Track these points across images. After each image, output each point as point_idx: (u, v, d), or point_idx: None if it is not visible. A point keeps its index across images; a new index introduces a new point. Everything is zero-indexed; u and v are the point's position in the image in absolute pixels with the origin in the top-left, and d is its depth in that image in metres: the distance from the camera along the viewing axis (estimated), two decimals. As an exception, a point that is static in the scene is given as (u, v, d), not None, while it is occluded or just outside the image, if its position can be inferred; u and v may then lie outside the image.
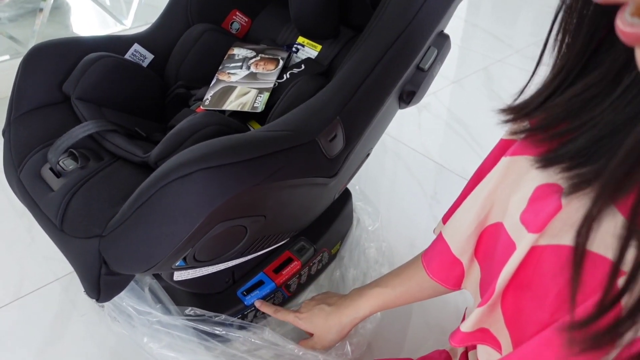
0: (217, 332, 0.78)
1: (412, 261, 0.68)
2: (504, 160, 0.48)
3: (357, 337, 0.80)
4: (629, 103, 0.34)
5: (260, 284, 0.88)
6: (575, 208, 0.37)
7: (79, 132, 0.72)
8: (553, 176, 0.39)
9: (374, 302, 0.70)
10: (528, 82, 0.42)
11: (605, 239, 0.35)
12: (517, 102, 0.42)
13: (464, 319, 0.74)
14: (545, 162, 0.38)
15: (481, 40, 2.02)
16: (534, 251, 0.42)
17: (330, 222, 0.97)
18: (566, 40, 0.37)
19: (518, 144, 0.46)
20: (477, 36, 2.07)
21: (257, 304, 0.83)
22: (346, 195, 1.02)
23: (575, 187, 0.36)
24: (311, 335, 0.77)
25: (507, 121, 0.43)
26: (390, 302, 0.70)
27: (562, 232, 0.39)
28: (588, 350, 0.31)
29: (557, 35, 0.37)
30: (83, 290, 0.69)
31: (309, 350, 0.75)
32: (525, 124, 0.41)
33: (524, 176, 0.44)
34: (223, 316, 0.79)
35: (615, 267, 0.29)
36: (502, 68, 1.78)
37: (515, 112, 0.42)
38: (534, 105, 0.40)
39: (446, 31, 0.82)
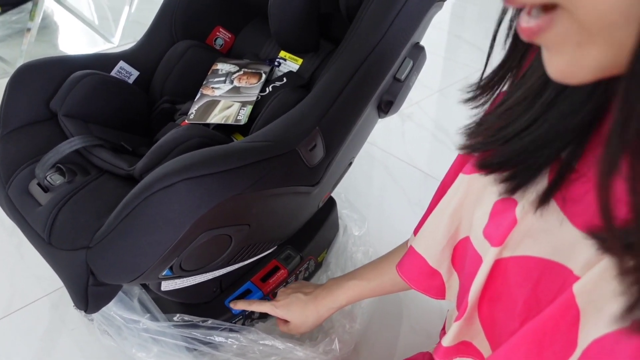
0: (204, 337, 0.79)
1: (387, 256, 0.70)
2: (464, 177, 0.50)
3: (345, 335, 0.82)
4: (545, 121, 0.36)
5: (247, 292, 0.89)
6: (529, 220, 0.40)
7: (66, 147, 0.73)
8: (501, 193, 0.42)
9: (350, 294, 0.73)
10: (484, 70, 0.43)
11: (563, 248, 0.37)
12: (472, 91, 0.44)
13: (445, 324, 0.76)
14: (481, 169, 0.41)
15: (464, 51, 2.07)
16: (499, 264, 0.44)
17: (316, 231, 0.99)
18: (508, 40, 0.38)
19: (474, 160, 0.49)
20: (461, 47, 2.12)
21: (232, 304, 0.85)
22: (331, 204, 1.04)
23: (507, 193, 0.39)
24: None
25: (467, 142, 0.44)
26: (365, 294, 0.73)
27: (521, 244, 0.41)
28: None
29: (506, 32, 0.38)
30: (73, 305, 0.70)
31: (297, 347, 0.77)
32: (476, 139, 0.43)
33: (483, 192, 0.46)
34: (210, 321, 0.80)
35: None
36: (483, 77, 1.82)
37: (477, 93, 0.43)
38: (486, 89, 0.41)
39: (430, 42, 0.85)
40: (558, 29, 0.26)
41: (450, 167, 0.57)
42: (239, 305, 0.85)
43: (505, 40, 0.37)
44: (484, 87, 0.41)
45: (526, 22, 0.28)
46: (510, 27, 0.37)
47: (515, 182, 0.39)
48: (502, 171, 0.40)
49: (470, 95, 0.42)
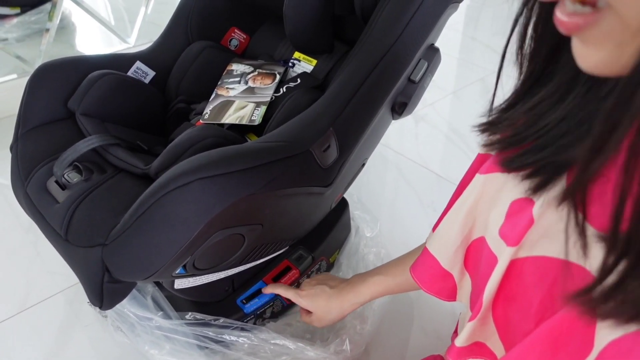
0: (216, 336, 0.79)
1: (412, 252, 0.70)
2: (480, 177, 0.50)
3: (356, 336, 0.82)
4: (576, 116, 0.36)
5: (259, 292, 0.90)
6: (546, 220, 0.39)
7: (83, 146, 0.75)
8: (526, 191, 0.41)
9: (374, 289, 0.72)
10: (494, 93, 0.43)
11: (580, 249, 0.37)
12: (492, 117, 0.44)
13: (457, 326, 0.76)
14: (509, 167, 0.40)
15: (479, 53, 2.06)
16: (515, 264, 0.43)
17: (328, 231, 0.99)
18: (531, 46, 0.38)
19: (491, 160, 0.48)
20: (475, 49, 2.11)
21: (263, 290, 0.88)
22: (343, 205, 1.04)
23: (530, 191, 0.38)
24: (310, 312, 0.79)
25: (490, 139, 0.44)
26: (390, 290, 0.72)
27: (538, 244, 0.41)
28: (603, 314, 0.31)
29: (521, 43, 0.38)
30: (87, 301, 0.71)
31: (308, 347, 0.78)
32: (499, 136, 0.42)
33: (499, 192, 0.46)
34: (222, 320, 0.81)
35: (613, 242, 0.29)
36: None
37: (492, 126, 0.43)
38: (503, 114, 0.42)
39: (445, 44, 0.84)
40: (602, 27, 0.26)
41: (469, 168, 0.57)
42: (268, 289, 0.86)
43: (524, 54, 0.37)
44: (506, 110, 0.41)
45: (567, 16, 0.27)
46: (522, 44, 0.36)
47: (541, 179, 0.38)
48: (527, 169, 0.39)
49: (491, 121, 0.42)
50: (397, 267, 0.71)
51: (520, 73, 0.40)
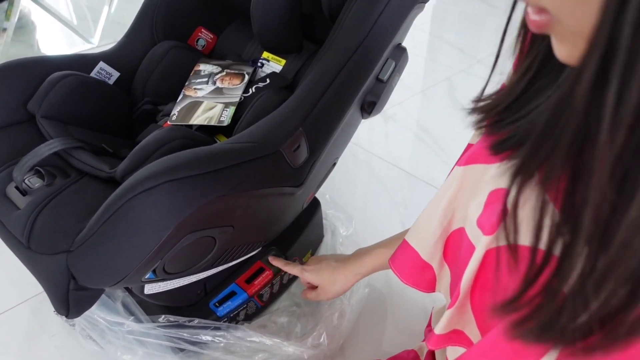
0: (191, 337, 0.78)
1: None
2: (458, 169, 0.51)
3: (332, 330, 0.83)
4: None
5: (232, 294, 0.89)
6: (520, 210, 0.40)
7: (45, 149, 0.72)
8: (504, 181, 0.42)
9: (376, 260, 0.76)
10: (487, 81, 0.45)
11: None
12: (485, 102, 0.46)
13: (430, 319, 0.77)
14: (495, 149, 0.42)
15: (445, 53, 2.09)
16: (491, 252, 0.44)
17: (300, 231, 0.99)
18: (529, 37, 0.40)
19: (470, 152, 0.49)
20: (442, 48, 2.14)
21: (270, 258, 0.91)
22: (315, 204, 1.04)
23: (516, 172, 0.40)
24: (315, 287, 0.83)
25: (478, 122, 0.46)
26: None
27: None
28: (534, 340, 0.33)
29: (520, 32, 0.40)
30: (53, 310, 0.68)
31: (284, 343, 0.79)
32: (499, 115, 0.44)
33: (479, 183, 0.47)
34: (196, 320, 0.80)
35: (534, 248, 0.32)
36: (464, 78, 1.85)
37: (486, 112, 0.45)
38: (504, 105, 0.43)
39: (413, 44, 0.86)
40: (556, 29, 0.30)
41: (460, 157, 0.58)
42: (275, 262, 0.89)
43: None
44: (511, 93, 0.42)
45: (532, 16, 0.30)
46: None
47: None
48: (511, 151, 0.40)
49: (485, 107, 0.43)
50: (398, 241, 0.71)
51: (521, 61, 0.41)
